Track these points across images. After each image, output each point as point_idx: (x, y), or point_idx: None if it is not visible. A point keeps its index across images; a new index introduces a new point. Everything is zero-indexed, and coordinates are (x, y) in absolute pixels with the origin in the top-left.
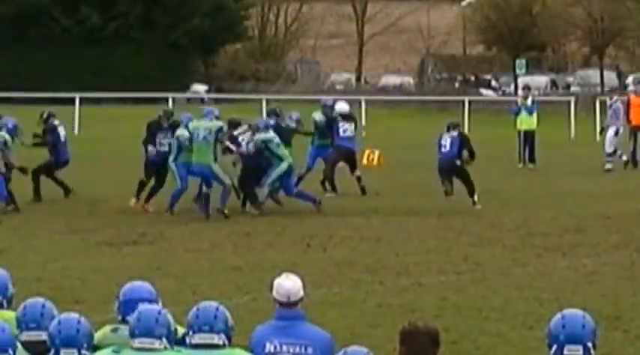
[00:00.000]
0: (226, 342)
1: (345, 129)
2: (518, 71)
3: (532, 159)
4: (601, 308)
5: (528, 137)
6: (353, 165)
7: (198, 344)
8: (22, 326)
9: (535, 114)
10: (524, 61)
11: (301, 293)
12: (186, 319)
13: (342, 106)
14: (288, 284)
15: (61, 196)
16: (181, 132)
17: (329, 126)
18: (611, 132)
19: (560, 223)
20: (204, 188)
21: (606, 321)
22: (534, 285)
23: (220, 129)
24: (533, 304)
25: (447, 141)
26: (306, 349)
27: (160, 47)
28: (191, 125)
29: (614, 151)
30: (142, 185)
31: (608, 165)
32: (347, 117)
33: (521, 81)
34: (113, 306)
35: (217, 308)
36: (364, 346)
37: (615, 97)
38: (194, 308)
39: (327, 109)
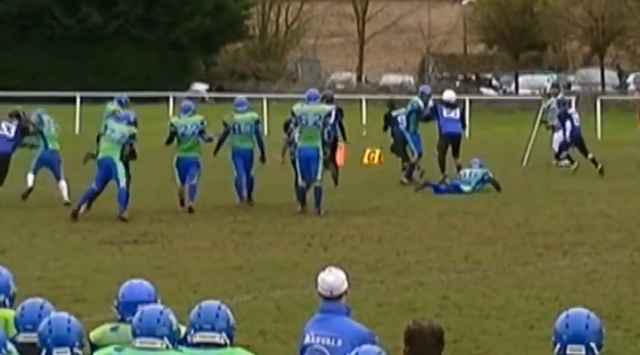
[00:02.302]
0: (227, 341)
1: (449, 111)
2: (547, 84)
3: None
4: (602, 307)
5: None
6: (457, 150)
7: (200, 342)
8: (19, 328)
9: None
10: (554, 76)
11: (344, 287)
12: (187, 318)
13: (449, 95)
14: (331, 278)
15: (60, 196)
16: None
17: (433, 113)
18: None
19: (561, 222)
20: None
21: (607, 320)
22: (535, 284)
23: (329, 114)
24: (533, 303)
25: (577, 115)
26: (336, 341)
27: (160, 46)
28: (297, 110)
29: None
30: None
31: (565, 162)
32: (451, 105)
33: (548, 81)
34: (112, 305)
35: (219, 307)
36: None
37: (552, 98)
38: (196, 307)
39: (425, 97)
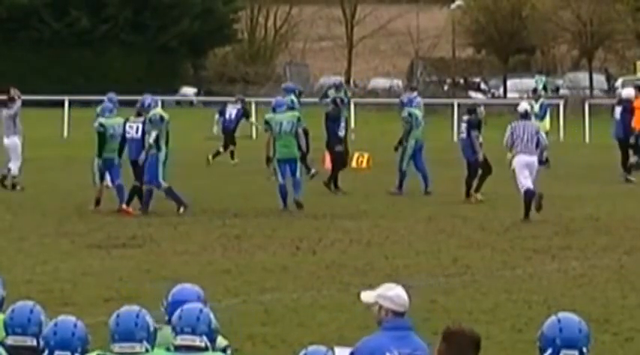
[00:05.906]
0: (209, 345)
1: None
2: (538, 87)
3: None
4: (590, 311)
5: None
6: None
7: (181, 345)
8: (8, 331)
9: (547, 118)
10: (543, 78)
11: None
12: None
13: (627, 92)
14: (404, 294)
15: (51, 199)
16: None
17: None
18: None
19: (550, 226)
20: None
21: (595, 324)
22: (523, 288)
23: (299, 119)
24: (522, 307)
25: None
26: None
27: (149, 50)
28: (269, 118)
29: None
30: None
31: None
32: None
33: (528, 84)
34: (161, 306)
35: (201, 310)
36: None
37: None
38: (178, 310)
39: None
